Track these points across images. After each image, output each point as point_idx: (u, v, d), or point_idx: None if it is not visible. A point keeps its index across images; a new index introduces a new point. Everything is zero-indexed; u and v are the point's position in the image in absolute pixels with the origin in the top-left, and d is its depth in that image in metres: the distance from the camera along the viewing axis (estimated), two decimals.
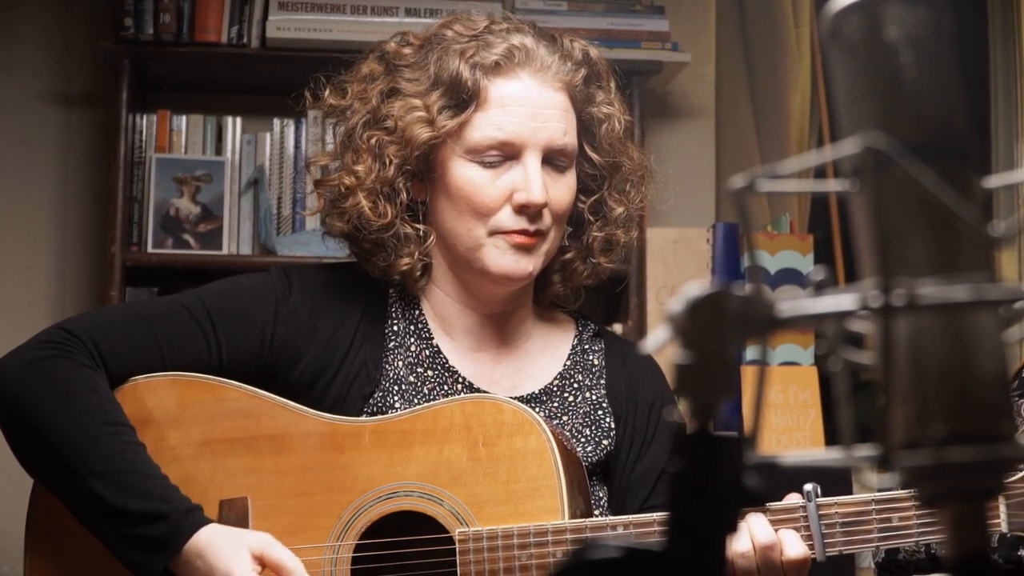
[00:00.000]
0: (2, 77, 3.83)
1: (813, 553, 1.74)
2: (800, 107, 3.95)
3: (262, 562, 1.71)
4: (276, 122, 3.74)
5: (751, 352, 3.46)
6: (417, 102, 1.90)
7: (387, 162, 1.90)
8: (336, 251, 2.08)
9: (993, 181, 0.75)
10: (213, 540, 1.71)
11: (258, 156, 3.74)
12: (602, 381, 2.01)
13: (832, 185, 0.74)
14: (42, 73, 3.85)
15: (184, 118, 3.73)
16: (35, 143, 3.83)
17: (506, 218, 1.88)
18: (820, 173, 3.62)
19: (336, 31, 3.59)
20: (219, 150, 3.75)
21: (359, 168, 1.91)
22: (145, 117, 3.69)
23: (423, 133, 1.88)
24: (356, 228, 1.93)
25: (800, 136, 3.95)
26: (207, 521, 1.73)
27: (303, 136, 3.74)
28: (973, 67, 3.95)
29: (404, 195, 1.91)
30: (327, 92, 2.00)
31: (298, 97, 2.04)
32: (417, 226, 1.93)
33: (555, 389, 1.98)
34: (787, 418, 3.58)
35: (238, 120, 3.76)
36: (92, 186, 3.82)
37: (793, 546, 1.72)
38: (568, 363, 2.01)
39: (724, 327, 0.71)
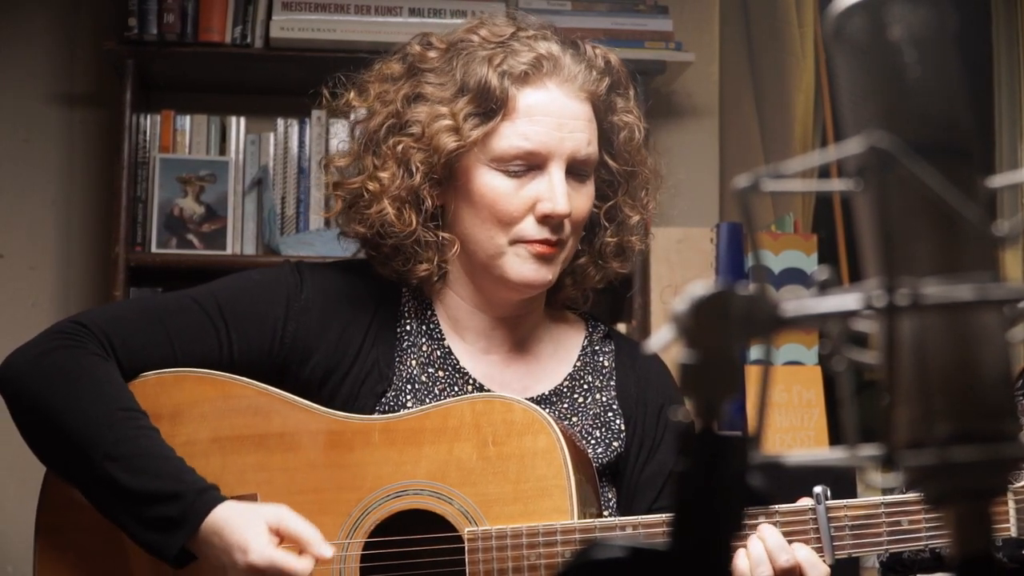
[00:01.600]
0: (6, 77, 3.84)
1: (822, 555, 1.74)
2: (804, 107, 3.95)
3: (279, 534, 1.71)
4: (280, 122, 3.75)
5: (755, 352, 3.46)
6: (444, 109, 1.89)
7: (414, 170, 1.89)
8: (342, 251, 2.08)
9: (997, 181, 0.75)
10: (230, 517, 1.71)
11: (262, 156, 3.75)
12: (612, 382, 2.01)
13: (836, 185, 0.74)
14: (46, 73, 3.85)
15: (188, 118, 3.73)
16: (39, 143, 3.84)
17: (529, 227, 1.88)
18: (824, 173, 3.62)
19: (340, 31, 3.59)
20: (223, 150, 3.75)
21: (384, 175, 1.90)
22: (149, 117, 3.70)
23: (450, 142, 1.87)
24: (377, 234, 1.92)
25: (804, 136, 3.95)
26: (222, 499, 1.73)
27: (307, 136, 3.74)
28: (977, 67, 3.95)
29: (429, 202, 1.91)
30: (351, 93, 1.99)
31: (315, 95, 2.03)
32: (441, 234, 1.92)
33: (565, 390, 1.98)
34: (791, 418, 3.58)
35: (242, 120, 3.76)
36: (96, 186, 3.82)
37: (813, 569, 1.72)
38: (578, 364, 2.02)
39: (728, 327, 0.72)
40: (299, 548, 1.71)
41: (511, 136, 1.88)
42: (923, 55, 0.73)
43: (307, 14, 3.61)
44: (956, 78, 0.74)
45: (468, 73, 1.89)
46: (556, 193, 1.86)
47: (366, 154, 1.95)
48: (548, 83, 1.89)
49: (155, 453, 1.76)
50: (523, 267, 1.89)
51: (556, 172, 1.87)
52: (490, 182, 1.89)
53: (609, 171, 1.98)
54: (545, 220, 1.87)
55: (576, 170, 1.90)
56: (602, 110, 1.94)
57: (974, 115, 0.74)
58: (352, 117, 2.02)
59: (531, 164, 1.88)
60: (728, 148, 4.10)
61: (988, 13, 4.02)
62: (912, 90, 0.73)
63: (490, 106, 1.88)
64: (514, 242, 1.89)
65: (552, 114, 1.88)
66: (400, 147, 1.90)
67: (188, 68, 3.71)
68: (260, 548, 1.68)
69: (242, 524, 1.70)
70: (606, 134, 1.96)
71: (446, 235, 1.93)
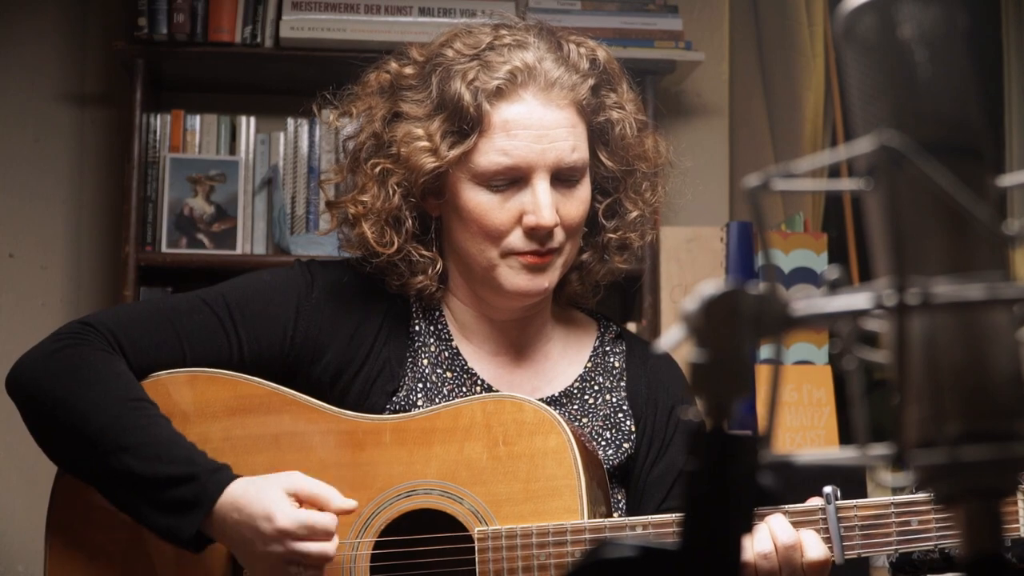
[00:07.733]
0: (17, 77, 3.84)
1: (832, 555, 1.74)
2: (814, 106, 3.95)
3: (297, 498, 1.72)
4: (290, 122, 3.75)
5: (765, 351, 3.46)
6: (419, 131, 1.88)
7: (391, 191, 1.89)
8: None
9: (1007, 180, 0.75)
10: (247, 490, 1.71)
11: (272, 156, 3.75)
12: (622, 384, 2.01)
13: (846, 184, 0.74)
14: (56, 73, 3.86)
15: (198, 118, 3.73)
16: (49, 143, 3.84)
17: (517, 240, 1.87)
18: (834, 172, 3.61)
19: (350, 31, 3.59)
20: (233, 150, 3.75)
21: (365, 198, 1.91)
22: (159, 117, 3.70)
23: (428, 163, 1.87)
24: (369, 252, 1.93)
25: (814, 135, 3.94)
26: (235, 477, 1.73)
27: (317, 135, 3.75)
28: (987, 65, 3.95)
29: (410, 223, 1.91)
30: (326, 111, 2.01)
31: (307, 112, 2.05)
32: (425, 254, 1.93)
33: (575, 392, 1.98)
34: (801, 417, 3.58)
35: (252, 120, 3.77)
36: (106, 186, 3.83)
37: (813, 547, 1.72)
38: (589, 365, 2.01)
39: (739, 326, 0.72)
40: (319, 507, 1.72)
41: (490, 152, 1.86)
42: (933, 54, 0.73)
43: (317, 14, 3.61)
44: (966, 77, 0.74)
45: (443, 90, 1.88)
46: (540, 206, 1.85)
47: (354, 171, 1.96)
48: (524, 94, 1.87)
49: (165, 439, 1.76)
50: (516, 278, 1.89)
51: (540, 184, 1.85)
52: (475, 198, 1.88)
53: (607, 168, 1.96)
54: (532, 233, 1.86)
55: (564, 176, 1.88)
56: (589, 111, 1.92)
57: (984, 114, 0.74)
58: (342, 132, 2.04)
59: (514, 178, 1.87)
60: (738, 147, 4.09)
61: (998, 12, 4.02)
62: (922, 89, 0.73)
63: (464, 126, 1.87)
64: (505, 254, 1.88)
65: (531, 126, 1.86)
66: (378, 169, 1.91)
67: (198, 68, 3.72)
68: (285, 512, 1.69)
69: (260, 494, 1.70)
70: (598, 133, 1.94)
71: (427, 253, 1.93)
